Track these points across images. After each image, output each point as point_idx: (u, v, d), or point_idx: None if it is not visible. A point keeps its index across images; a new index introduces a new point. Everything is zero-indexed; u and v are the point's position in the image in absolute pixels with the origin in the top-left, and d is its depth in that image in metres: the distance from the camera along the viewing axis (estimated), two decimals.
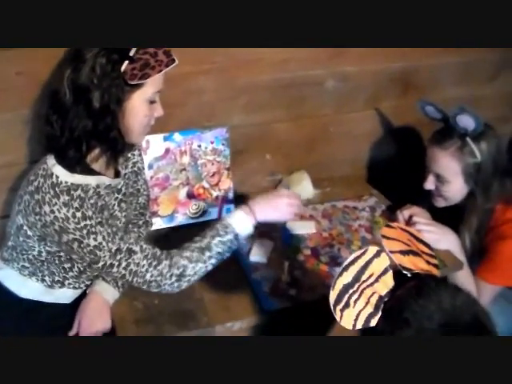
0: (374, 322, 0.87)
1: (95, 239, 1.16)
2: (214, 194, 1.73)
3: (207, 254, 1.26)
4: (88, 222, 1.16)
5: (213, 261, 1.27)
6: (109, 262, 1.19)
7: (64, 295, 1.34)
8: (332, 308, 0.87)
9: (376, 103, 1.83)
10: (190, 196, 1.71)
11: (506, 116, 1.98)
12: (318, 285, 1.48)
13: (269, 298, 1.45)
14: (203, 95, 1.65)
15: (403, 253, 0.94)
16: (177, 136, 1.64)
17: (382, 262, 0.89)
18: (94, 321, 1.33)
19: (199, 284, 1.49)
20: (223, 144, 1.69)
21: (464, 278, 1.49)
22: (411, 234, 1.00)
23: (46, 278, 1.30)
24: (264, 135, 1.77)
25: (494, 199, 1.48)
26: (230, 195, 1.74)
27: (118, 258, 1.19)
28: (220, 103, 1.68)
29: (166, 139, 1.63)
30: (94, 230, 1.16)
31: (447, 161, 1.49)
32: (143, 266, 1.22)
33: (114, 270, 1.21)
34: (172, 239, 1.65)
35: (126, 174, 1.38)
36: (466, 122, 1.44)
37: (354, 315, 0.86)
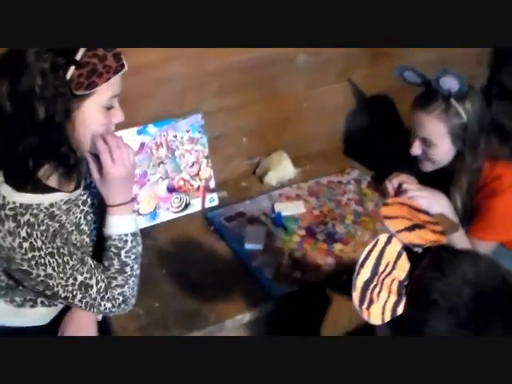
0: (400, 310, 0.83)
1: (44, 270, 1.04)
2: (196, 184, 1.65)
3: (127, 269, 1.14)
4: (36, 253, 1.03)
5: (135, 266, 1.15)
6: (63, 295, 1.08)
7: (37, 315, 1.21)
8: (358, 310, 0.83)
9: (347, 74, 1.80)
10: (171, 190, 1.62)
11: (474, 74, 2.00)
12: (321, 264, 1.45)
13: (274, 284, 1.39)
14: (173, 83, 1.56)
15: (409, 229, 0.91)
16: (151, 128, 1.54)
17: (395, 248, 0.86)
18: (76, 335, 1.23)
19: (199, 280, 1.43)
20: (199, 131, 1.61)
21: (459, 240, 1.49)
22: (409, 206, 0.99)
23: (17, 298, 1.17)
24: (238, 118, 1.71)
25: (482, 157, 1.48)
26: (212, 184, 1.66)
27: (71, 289, 1.08)
28: (191, 89, 1.60)
29: (139, 133, 1.53)
30: (43, 261, 1.04)
31: (433, 124, 1.48)
32: (97, 299, 1.11)
33: (70, 301, 1.10)
34: (159, 237, 1.58)
35: (91, 182, 1.26)
36: (450, 83, 1.43)
37: (380, 309, 0.83)
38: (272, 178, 1.75)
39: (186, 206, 1.65)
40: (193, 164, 1.63)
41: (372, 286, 0.84)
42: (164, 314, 1.34)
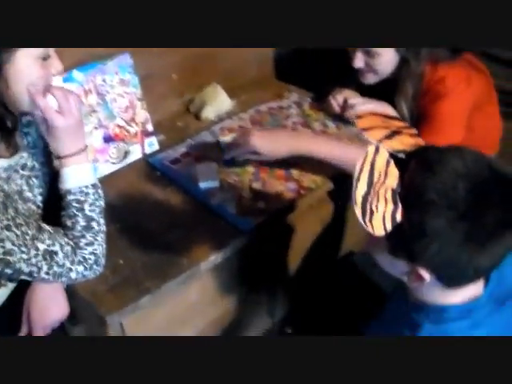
0: (399, 217, 0.83)
1: (3, 247, 0.94)
2: (132, 130, 1.52)
3: (94, 224, 1.06)
4: None
5: (101, 221, 1.08)
6: (27, 270, 0.97)
7: None
8: (362, 223, 0.82)
9: None
10: (107, 139, 1.48)
11: None
12: (283, 190, 1.40)
13: (240, 218, 1.34)
14: None
15: (388, 137, 0.93)
16: (76, 74, 1.38)
17: (383, 157, 0.85)
18: (47, 310, 1.13)
19: (159, 228, 1.34)
20: (130, 72, 1.46)
21: None
22: (380, 115, 0.98)
23: None
24: (165, 53, 1.58)
25: (424, 61, 1.49)
26: (150, 127, 1.54)
27: (35, 262, 0.98)
28: None
29: (65, 80, 1.36)
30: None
31: None
32: (65, 265, 1.02)
33: (35, 275, 1.00)
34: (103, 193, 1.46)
35: (29, 143, 1.13)
36: None
37: (380, 219, 0.82)
38: (209, 113, 1.66)
39: (126, 154, 1.52)
40: (126, 108, 1.49)
41: (370, 198, 0.83)
42: (133, 270, 1.24)
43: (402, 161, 0.88)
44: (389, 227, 0.83)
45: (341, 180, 1.42)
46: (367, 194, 0.83)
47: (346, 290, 1.50)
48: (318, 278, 1.58)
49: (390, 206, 0.83)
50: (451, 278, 0.88)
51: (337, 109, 1.54)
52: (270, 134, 1.40)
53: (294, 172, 1.44)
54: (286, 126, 1.59)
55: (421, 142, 0.94)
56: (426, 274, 0.88)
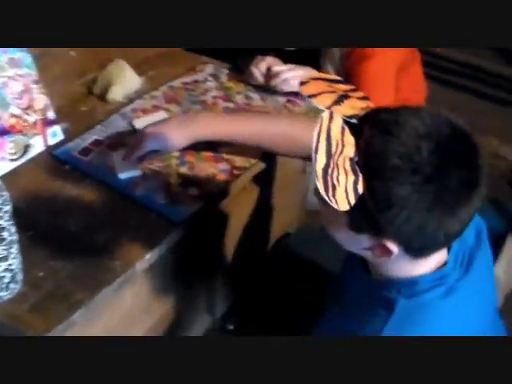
0: (360, 188, 0.76)
1: None
2: (31, 119, 1.31)
3: (4, 233, 0.91)
4: None
5: (12, 229, 0.93)
6: None
7: None
8: (326, 199, 0.74)
9: None
10: (2, 132, 1.26)
11: None
12: (215, 172, 1.27)
13: (172, 208, 1.19)
14: None
15: (337, 102, 0.84)
16: None
17: (338, 124, 0.78)
18: None
19: (80, 230, 1.16)
20: (20, 50, 1.25)
21: None
22: (324, 79, 0.91)
23: None
24: None
25: None
26: (51, 115, 1.33)
27: None
28: None
29: None
30: None
31: None
32: None
33: None
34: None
35: None
36: None
37: (343, 192, 0.75)
38: (116, 94, 1.47)
39: (26, 148, 1.31)
40: (21, 93, 1.28)
41: (330, 170, 0.75)
42: (57, 282, 1.06)
43: (355, 126, 0.80)
44: (352, 200, 0.75)
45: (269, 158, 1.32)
46: (327, 166, 0.75)
47: (280, 278, 1.42)
48: (254, 267, 1.49)
49: (351, 177, 0.76)
50: (420, 248, 0.83)
51: (260, 78, 1.43)
52: (161, 128, 1.24)
53: (224, 151, 1.31)
54: (205, 102, 1.44)
55: (371, 104, 0.87)
56: (393, 247, 0.81)
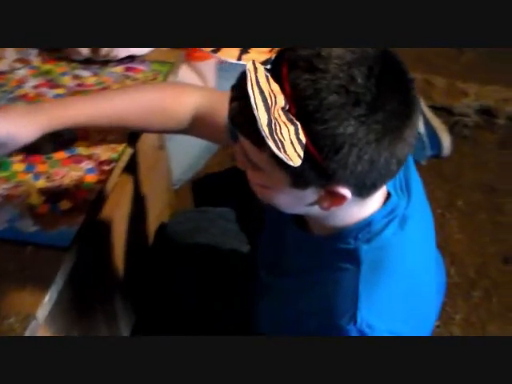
0: (302, 137, 0.68)
1: None
2: None
3: None
4: None
5: None
6: None
7: None
8: (282, 157, 0.66)
9: None
10: None
11: None
12: (81, 175, 1.03)
13: (50, 234, 0.96)
14: None
15: (244, 52, 0.74)
16: None
17: (261, 73, 0.69)
18: None
19: None
20: None
21: None
22: None
23: None
24: None
25: None
26: None
27: None
28: None
29: None
30: None
31: None
32: None
33: None
34: None
35: None
36: None
37: (290, 145, 0.67)
38: None
39: None
40: None
41: (273, 125, 0.66)
42: None
43: (272, 71, 0.70)
44: (300, 151, 0.67)
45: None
46: (270, 122, 0.65)
47: (172, 275, 1.28)
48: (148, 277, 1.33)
49: (291, 128, 0.67)
50: (373, 184, 0.76)
51: (85, 52, 1.20)
52: (5, 114, 1.00)
53: (80, 147, 1.09)
54: (26, 96, 1.17)
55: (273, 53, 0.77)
56: (346, 191, 0.74)
